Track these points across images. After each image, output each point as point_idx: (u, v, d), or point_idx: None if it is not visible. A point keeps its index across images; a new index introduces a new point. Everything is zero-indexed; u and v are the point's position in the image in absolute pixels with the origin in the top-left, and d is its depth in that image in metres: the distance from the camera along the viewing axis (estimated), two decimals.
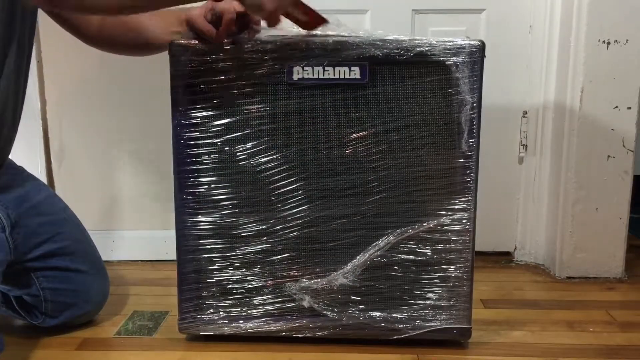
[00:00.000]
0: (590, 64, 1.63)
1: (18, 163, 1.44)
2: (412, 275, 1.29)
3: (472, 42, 1.20)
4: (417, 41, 1.20)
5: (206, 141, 1.25)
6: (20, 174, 1.41)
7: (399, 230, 1.27)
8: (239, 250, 1.29)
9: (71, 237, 1.41)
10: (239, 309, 1.32)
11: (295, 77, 1.21)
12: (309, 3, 1.18)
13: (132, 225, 1.89)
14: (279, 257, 1.29)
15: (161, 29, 1.33)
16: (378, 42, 1.20)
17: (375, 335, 1.32)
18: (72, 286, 1.40)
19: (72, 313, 1.41)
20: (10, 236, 1.28)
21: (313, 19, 1.21)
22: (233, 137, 1.25)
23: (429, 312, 1.30)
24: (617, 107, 1.65)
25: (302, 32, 1.25)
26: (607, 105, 1.65)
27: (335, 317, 1.30)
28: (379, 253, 1.27)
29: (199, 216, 1.28)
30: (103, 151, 1.85)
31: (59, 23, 1.35)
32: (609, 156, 1.67)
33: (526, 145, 1.82)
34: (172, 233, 1.31)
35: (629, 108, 1.65)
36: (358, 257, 1.28)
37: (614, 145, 1.67)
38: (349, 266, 1.28)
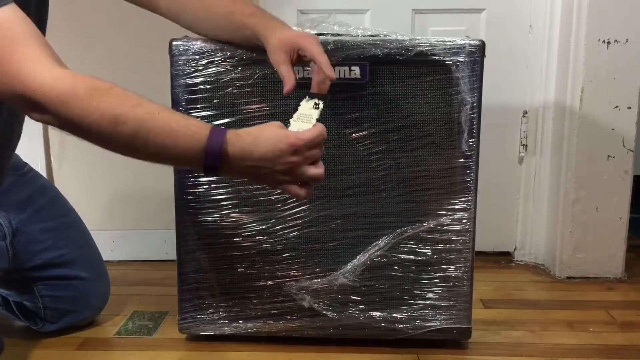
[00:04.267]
0: (590, 64, 1.63)
1: None
2: (412, 275, 1.29)
3: (472, 42, 1.20)
4: (417, 41, 1.20)
5: None
6: (25, 175, 1.40)
7: (399, 230, 1.27)
8: (239, 250, 1.29)
9: (73, 243, 1.41)
10: (239, 309, 1.32)
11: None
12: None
13: (132, 225, 1.89)
14: (279, 257, 1.29)
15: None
16: (378, 42, 1.20)
17: (375, 335, 1.32)
18: (71, 293, 1.39)
19: (72, 319, 1.41)
20: (11, 244, 1.27)
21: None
22: None
23: (429, 312, 1.30)
24: (617, 107, 1.65)
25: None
26: (607, 105, 1.65)
27: (335, 317, 1.30)
28: (379, 253, 1.27)
29: (199, 216, 1.28)
30: (103, 151, 1.83)
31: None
32: (609, 156, 1.67)
33: (526, 145, 1.82)
34: (172, 233, 1.32)
35: (629, 108, 1.65)
36: (358, 257, 1.28)
37: (614, 145, 1.67)
38: (349, 266, 1.28)
